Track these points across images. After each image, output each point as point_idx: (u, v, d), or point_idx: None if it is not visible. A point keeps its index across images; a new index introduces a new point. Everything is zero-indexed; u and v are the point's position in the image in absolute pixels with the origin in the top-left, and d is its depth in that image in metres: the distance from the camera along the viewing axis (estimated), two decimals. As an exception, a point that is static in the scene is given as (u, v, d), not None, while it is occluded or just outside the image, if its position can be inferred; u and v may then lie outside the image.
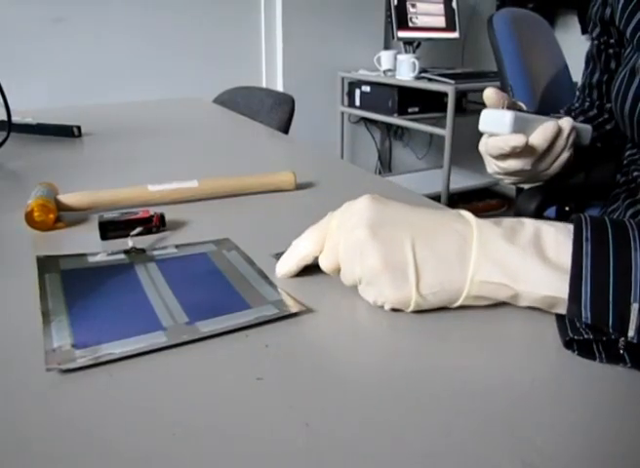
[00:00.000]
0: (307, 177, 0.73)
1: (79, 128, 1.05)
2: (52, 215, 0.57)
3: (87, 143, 1.02)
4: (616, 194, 0.77)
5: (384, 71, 2.62)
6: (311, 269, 0.47)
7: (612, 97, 0.73)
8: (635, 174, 0.73)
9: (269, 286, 0.45)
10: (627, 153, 0.78)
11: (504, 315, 0.41)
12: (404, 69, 2.47)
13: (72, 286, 0.44)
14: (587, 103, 0.86)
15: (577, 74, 0.89)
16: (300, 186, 0.70)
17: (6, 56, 2.08)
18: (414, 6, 2.63)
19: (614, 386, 0.33)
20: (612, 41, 0.79)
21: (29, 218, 0.56)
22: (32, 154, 0.92)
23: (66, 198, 0.61)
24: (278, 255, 0.50)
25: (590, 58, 0.85)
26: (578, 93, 0.90)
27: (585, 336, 0.34)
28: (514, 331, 0.39)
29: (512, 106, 0.64)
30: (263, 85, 2.65)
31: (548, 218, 0.40)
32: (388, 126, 2.97)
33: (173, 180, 0.65)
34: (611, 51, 0.80)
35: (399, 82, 2.50)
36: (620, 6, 0.71)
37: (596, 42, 0.82)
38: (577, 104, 0.88)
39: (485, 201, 3.08)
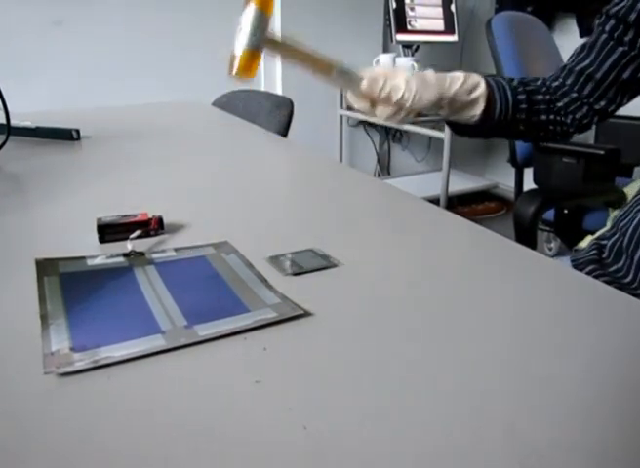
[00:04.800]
0: (306, 181, 0.73)
1: (78, 131, 1.05)
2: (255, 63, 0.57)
3: (86, 146, 1.02)
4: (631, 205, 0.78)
5: (383, 74, 2.62)
6: (310, 272, 0.47)
7: None
8: None
9: (268, 289, 0.45)
10: None
11: (497, 319, 0.41)
12: (403, 72, 2.47)
13: (71, 289, 0.44)
14: (556, 83, 0.87)
15: (575, 76, 0.88)
16: (299, 190, 0.70)
17: (5, 58, 2.08)
18: (412, 9, 2.64)
19: (612, 387, 0.33)
20: (626, 39, 0.79)
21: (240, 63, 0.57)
22: (31, 157, 0.92)
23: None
24: (273, 259, 0.50)
25: (587, 47, 0.85)
26: (555, 71, 0.90)
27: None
28: (510, 331, 0.39)
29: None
30: (262, 88, 2.66)
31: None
32: (387, 129, 2.97)
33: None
34: (620, 49, 0.80)
35: (398, 85, 2.49)
36: None
37: (605, 36, 0.81)
38: (551, 82, 0.89)
39: (484, 203, 3.08)
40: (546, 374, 0.34)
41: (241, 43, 0.57)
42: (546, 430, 0.29)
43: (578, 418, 0.30)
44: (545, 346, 0.37)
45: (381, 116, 0.73)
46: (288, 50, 0.63)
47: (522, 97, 0.83)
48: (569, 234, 1.27)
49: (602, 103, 0.84)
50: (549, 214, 1.27)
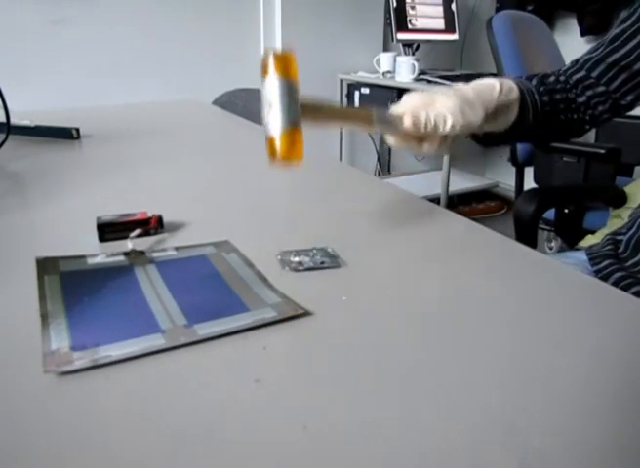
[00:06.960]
0: (306, 180, 0.73)
1: (78, 130, 1.05)
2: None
3: (86, 145, 1.02)
4: None
5: (384, 73, 2.62)
6: (310, 272, 0.47)
7: None
8: None
9: (268, 288, 0.45)
10: None
11: (498, 318, 0.41)
12: (403, 71, 2.47)
13: (71, 288, 0.44)
14: (578, 76, 0.81)
15: (575, 76, 0.87)
16: (299, 188, 0.70)
17: (5, 57, 2.08)
18: (413, 8, 2.64)
19: (613, 387, 0.33)
20: None
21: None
22: (31, 156, 0.92)
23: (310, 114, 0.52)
24: (273, 258, 0.50)
25: (624, 37, 0.78)
26: (572, 64, 0.83)
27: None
28: (511, 330, 0.39)
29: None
30: (263, 87, 2.65)
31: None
32: (387, 128, 2.97)
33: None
34: None
35: (398, 84, 2.50)
36: None
37: None
38: (569, 76, 0.83)
39: (484, 203, 3.08)
40: (547, 374, 0.34)
41: (277, 122, 0.48)
42: (546, 430, 0.29)
43: (578, 418, 0.30)
44: (546, 346, 0.37)
45: (430, 151, 0.66)
46: (325, 113, 0.55)
47: (545, 98, 0.79)
48: (569, 233, 1.27)
49: (629, 98, 0.79)
50: (550, 214, 1.27)
